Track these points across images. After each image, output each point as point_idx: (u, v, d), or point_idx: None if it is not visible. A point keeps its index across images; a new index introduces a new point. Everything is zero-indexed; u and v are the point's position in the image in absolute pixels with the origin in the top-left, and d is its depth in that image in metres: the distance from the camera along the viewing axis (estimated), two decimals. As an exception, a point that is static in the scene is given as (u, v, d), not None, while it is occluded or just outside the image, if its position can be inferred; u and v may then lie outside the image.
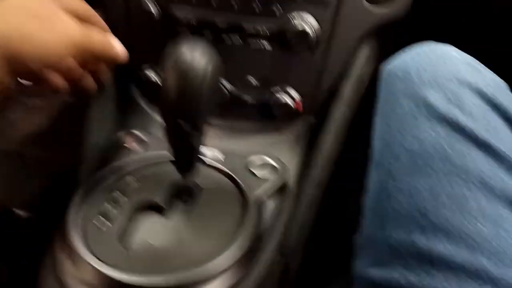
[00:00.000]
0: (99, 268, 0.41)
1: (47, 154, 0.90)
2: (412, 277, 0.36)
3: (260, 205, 0.49)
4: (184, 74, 0.39)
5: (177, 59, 0.39)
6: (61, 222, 0.49)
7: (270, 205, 0.51)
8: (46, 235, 0.48)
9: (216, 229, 0.47)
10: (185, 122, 0.41)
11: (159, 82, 0.58)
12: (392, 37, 0.58)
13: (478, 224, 0.35)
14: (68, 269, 0.43)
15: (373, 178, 0.44)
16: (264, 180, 0.52)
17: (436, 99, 0.41)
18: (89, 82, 0.49)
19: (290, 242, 0.52)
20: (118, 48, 0.47)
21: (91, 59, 0.46)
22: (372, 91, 0.57)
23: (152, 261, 0.43)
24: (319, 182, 0.54)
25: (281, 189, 0.53)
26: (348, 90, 0.55)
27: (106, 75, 0.51)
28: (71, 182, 0.55)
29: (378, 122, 0.46)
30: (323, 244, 0.60)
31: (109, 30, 0.48)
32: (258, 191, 0.50)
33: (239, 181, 0.51)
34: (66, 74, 0.44)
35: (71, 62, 0.43)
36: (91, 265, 0.41)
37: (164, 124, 0.43)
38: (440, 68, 0.43)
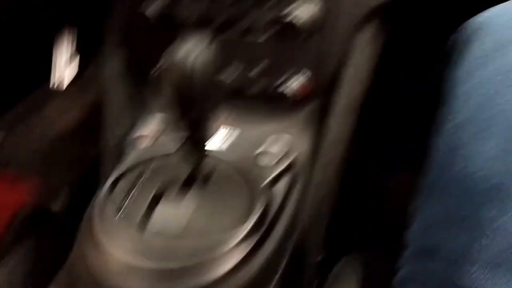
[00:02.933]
0: (120, 256, 0.44)
1: (77, 151, 0.95)
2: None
3: (270, 186, 0.51)
4: (177, 71, 0.40)
5: (169, 57, 0.40)
6: (85, 216, 0.53)
7: (281, 186, 0.52)
8: (74, 228, 0.52)
9: (227, 211, 0.48)
10: (189, 116, 0.44)
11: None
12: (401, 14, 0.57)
13: None
14: (92, 259, 0.46)
15: (439, 147, 0.42)
16: (275, 160, 0.53)
17: None
18: None
19: (302, 221, 0.53)
20: None
21: None
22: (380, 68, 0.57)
23: (168, 245, 0.46)
24: (329, 162, 0.54)
25: (292, 170, 0.54)
26: (354, 71, 0.55)
27: None
28: (95, 177, 0.59)
29: (457, 81, 0.43)
30: (336, 222, 0.61)
31: None
32: (269, 172, 0.52)
33: (249, 164, 0.53)
34: None
35: None
36: (113, 254, 0.44)
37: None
38: None
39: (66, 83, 1.01)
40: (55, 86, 1.01)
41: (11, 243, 0.58)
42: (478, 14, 0.45)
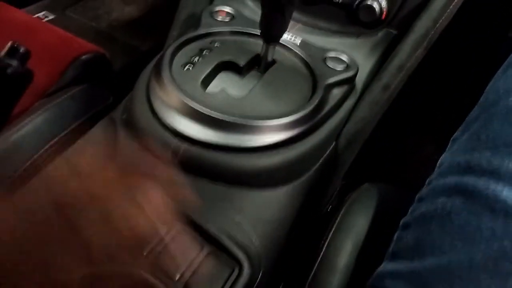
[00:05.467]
0: (180, 96, 0.47)
1: (134, 39, 0.98)
2: (496, 160, 0.37)
3: (326, 89, 0.53)
4: None
5: None
6: (150, 65, 0.56)
7: (336, 94, 0.55)
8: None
9: (283, 97, 0.51)
10: None
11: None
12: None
13: None
14: (156, 94, 0.49)
15: (500, 81, 0.44)
16: (335, 70, 0.55)
17: None
18: None
19: (346, 133, 0.56)
20: None
21: None
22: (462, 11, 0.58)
23: (224, 102, 0.48)
24: (386, 85, 0.56)
25: (349, 84, 0.56)
26: (437, 6, 0.57)
27: None
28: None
29: None
30: (379, 148, 0.63)
31: None
32: (328, 78, 0.54)
33: (312, 65, 0.55)
34: None
35: None
36: (175, 93, 0.47)
37: None
38: None
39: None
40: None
41: (70, 82, 0.61)
42: None
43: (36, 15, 1.01)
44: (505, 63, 0.46)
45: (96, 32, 0.99)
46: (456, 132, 0.46)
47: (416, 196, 0.43)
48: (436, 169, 0.44)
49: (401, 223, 0.42)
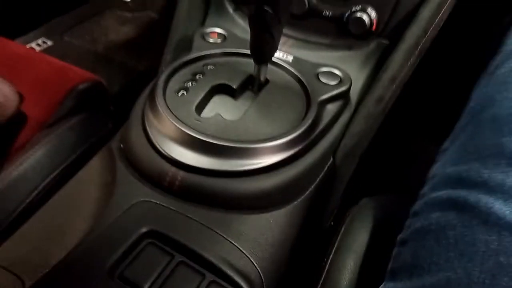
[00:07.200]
0: (175, 123, 0.47)
1: (131, 60, 0.99)
2: (485, 172, 0.37)
3: (321, 106, 0.53)
4: None
5: None
6: (145, 91, 0.56)
7: (330, 109, 0.55)
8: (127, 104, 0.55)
9: (278, 117, 0.51)
10: (270, 9, 0.46)
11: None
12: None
13: None
14: (152, 123, 0.50)
15: (481, 89, 0.45)
16: (329, 86, 0.55)
17: None
18: None
19: (342, 148, 0.56)
20: None
21: None
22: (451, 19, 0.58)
23: (219, 126, 0.49)
24: (380, 98, 0.56)
25: (343, 99, 0.56)
26: (426, 15, 0.56)
27: None
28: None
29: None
30: (376, 160, 0.63)
31: None
32: (321, 95, 0.54)
33: (305, 82, 0.55)
34: None
35: None
36: (170, 120, 0.48)
37: (250, 12, 0.47)
38: None
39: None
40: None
41: (68, 112, 0.62)
42: None
43: (34, 42, 1.03)
44: (487, 69, 0.46)
45: (94, 55, 1.00)
46: (445, 141, 0.46)
47: (411, 211, 0.43)
48: (427, 181, 0.44)
49: (398, 239, 0.42)
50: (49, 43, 1.03)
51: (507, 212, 0.34)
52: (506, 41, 0.47)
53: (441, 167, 0.43)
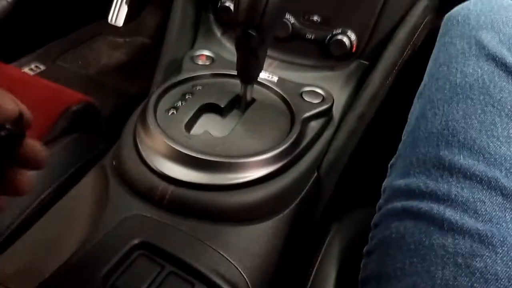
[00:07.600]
0: (165, 140, 0.50)
1: (123, 83, 1.01)
2: (432, 183, 0.40)
3: (304, 123, 0.56)
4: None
5: None
6: (136, 111, 0.59)
7: (314, 126, 0.58)
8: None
9: (264, 133, 0.54)
10: (254, 32, 0.49)
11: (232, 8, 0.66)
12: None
13: (502, 147, 0.39)
14: (143, 140, 0.52)
15: (416, 108, 0.48)
16: (312, 104, 0.58)
17: (489, 40, 0.44)
18: None
19: (326, 162, 0.58)
20: None
21: None
22: (427, 40, 0.62)
23: (207, 143, 0.51)
24: (361, 115, 0.59)
25: (326, 116, 0.59)
26: (402, 37, 0.60)
27: None
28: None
29: (430, 62, 0.50)
30: (358, 174, 0.65)
31: None
32: (305, 112, 0.57)
33: (289, 100, 0.58)
34: None
35: None
36: (161, 137, 0.50)
37: (236, 35, 0.50)
38: (499, 14, 0.45)
39: (121, 21, 1.07)
40: (113, 22, 1.07)
41: (61, 133, 0.64)
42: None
43: (27, 67, 1.05)
44: (420, 87, 0.50)
45: (86, 79, 1.02)
46: (393, 158, 0.49)
47: (372, 223, 0.45)
48: (382, 195, 0.46)
49: (364, 251, 0.44)
50: (42, 67, 1.05)
51: (457, 217, 0.37)
52: (429, 63, 0.51)
53: (390, 181, 0.45)
